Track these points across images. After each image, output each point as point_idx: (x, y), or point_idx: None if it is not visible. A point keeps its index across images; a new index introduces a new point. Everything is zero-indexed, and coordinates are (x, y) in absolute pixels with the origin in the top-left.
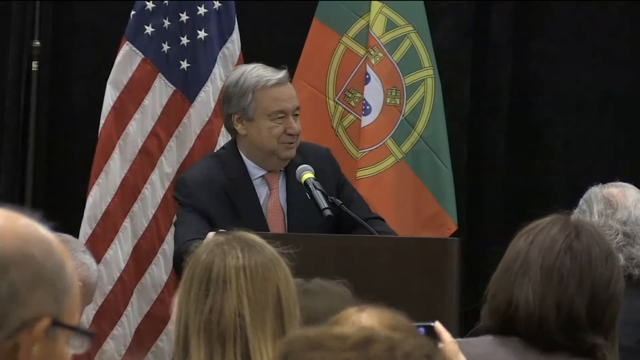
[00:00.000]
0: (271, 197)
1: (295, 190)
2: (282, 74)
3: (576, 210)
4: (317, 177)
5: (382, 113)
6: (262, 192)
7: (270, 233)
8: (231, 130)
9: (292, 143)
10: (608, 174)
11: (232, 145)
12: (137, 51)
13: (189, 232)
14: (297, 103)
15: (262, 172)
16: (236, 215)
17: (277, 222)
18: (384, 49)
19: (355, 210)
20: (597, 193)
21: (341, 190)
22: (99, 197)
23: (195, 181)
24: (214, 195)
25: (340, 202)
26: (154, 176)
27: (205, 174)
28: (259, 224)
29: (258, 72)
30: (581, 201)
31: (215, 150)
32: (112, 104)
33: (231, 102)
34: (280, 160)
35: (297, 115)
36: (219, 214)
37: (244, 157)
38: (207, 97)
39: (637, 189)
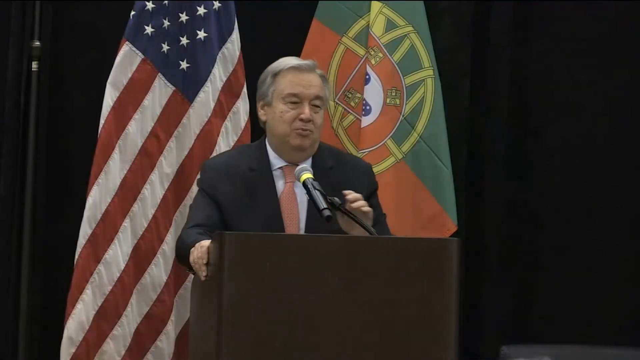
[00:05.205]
0: (285, 189)
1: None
2: (307, 62)
3: None
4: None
5: (382, 113)
6: (280, 184)
7: (269, 234)
8: (260, 122)
9: (305, 131)
10: (606, 174)
11: (263, 137)
12: (137, 51)
13: (194, 218)
14: (316, 92)
15: (283, 164)
16: (253, 205)
17: (291, 215)
18: (384, 49)
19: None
20: None
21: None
22: (99, 197)
23: (213, 167)
24: (232, 184)
25: (340, 202)
26: (154, 176)
27: (227, 162)
28: (273, 216)
29: (284, 59)
30: None
31: (214, 151)
32: (112, 104)
33: (258, 91)
34: (293, 149)
35: (316, 106)
36: (235, 203)
37: (269, 148)
38: (207, 98)
39: None
